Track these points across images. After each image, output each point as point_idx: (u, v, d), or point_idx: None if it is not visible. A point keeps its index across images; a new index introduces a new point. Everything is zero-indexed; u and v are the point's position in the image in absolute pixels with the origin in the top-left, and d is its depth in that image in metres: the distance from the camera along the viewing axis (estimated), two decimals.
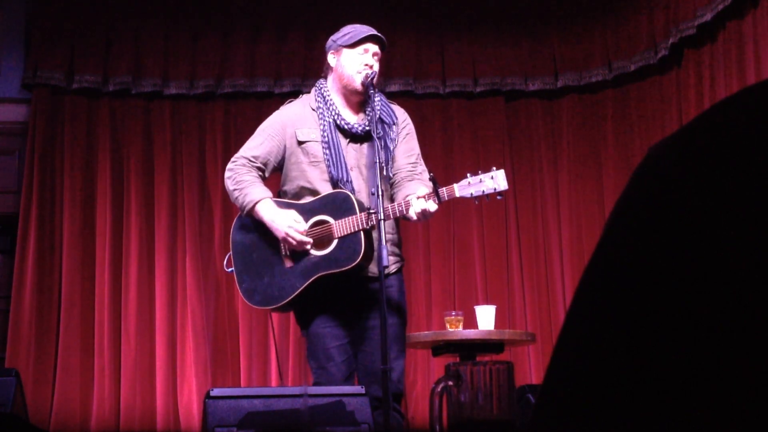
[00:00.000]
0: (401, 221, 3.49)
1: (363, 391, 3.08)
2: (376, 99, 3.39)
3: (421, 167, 3.44)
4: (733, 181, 0.57)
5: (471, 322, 4.44)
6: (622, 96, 6.02)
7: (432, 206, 3.05)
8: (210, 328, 5.69)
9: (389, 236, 3.36)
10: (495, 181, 3.06)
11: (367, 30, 3.41)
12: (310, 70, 5.99)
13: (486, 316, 4.32)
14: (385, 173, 3.30)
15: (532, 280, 5.95)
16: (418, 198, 3.08)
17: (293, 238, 3.24)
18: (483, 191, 3.06)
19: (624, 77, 5.97)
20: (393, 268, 3.40)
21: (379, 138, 3.29)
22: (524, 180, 6.10)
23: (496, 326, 4.35)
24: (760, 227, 0.55)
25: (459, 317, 4.32)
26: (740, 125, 0.59)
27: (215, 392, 3.02)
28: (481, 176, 3.09)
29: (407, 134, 3.45)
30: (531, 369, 5.75)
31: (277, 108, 5.93)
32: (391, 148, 3.36)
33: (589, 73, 6.06)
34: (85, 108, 5.89)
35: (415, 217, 3.12)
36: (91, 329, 5.60)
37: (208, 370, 5.59)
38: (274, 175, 3.55)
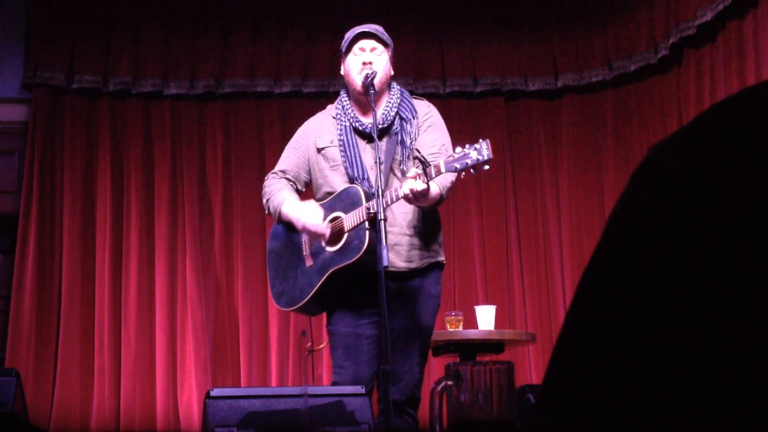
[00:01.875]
0: (431, 213, 3.39)
1: (363, 391, 3.08)
2: (394, 96, 3.37)
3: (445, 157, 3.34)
4: (733, 181, 0.57)
5: (471, 322, 4.45)
6: (622, 96, 6.02)
7: (419, 185, 2.99)
8: (210, 328, 5.69)
9: (417, 229, 3.29)
10: (479, 152, 2.98)
11: (357, 29, 3.39)
12: (310, 70, 6.00)
13: (486, 316, 4.32)
14: (402, 167, 3.28)
15: (532, 280, 5.95)
16: (408, 179, 3.04)
17: (310, 227, 3.21)
18: (467, 163, 2.98)
19: (624, 77, 5.97)
20: (423, 263, 3.30)
21: (396, 134, 3.28)
22: (524, 180, 6.10)
23: (496, 326, 4.36)
24: (760, 226, 0.55)
25: (459, 317, 4.32)
26: (740, 125, 0.59)
27: (215, 392, 3.02)
28: (466, 149, 3.01)
29: (429, 126, 3.39)
30: (531, 369, 5.76)
31: (277, 108, 6.00)
32: (408, 143, 3.32)
33: (589, 73, 6.06)
34: (85, 108, 5.89)
35: (403, 197, 3.06)
36: (91, 329, 5.60)
37: (208, 370, 5.59)
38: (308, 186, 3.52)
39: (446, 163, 3.00)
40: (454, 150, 3.06)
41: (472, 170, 2.99)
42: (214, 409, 2.94)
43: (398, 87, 3.43)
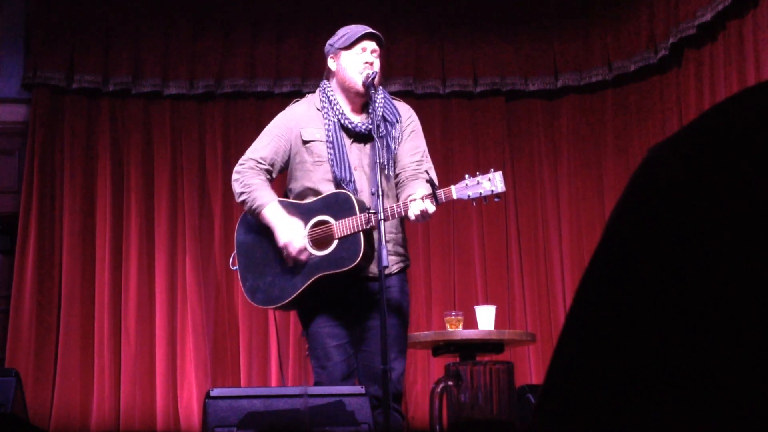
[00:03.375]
0: (405, 221, 3.47)
1: (363, 391, 3.08)
2: (378, 97, 3.38)
3: (427, 164, 3.39)
4: (733, 182, 0.57)
5: (471, 322, 4.44)
6: (622, 96, 6.02)
7: (430, 207, 3.05)
8: (210, 328, 5.69)
9: (391, 236, 3.35)
10: (492, 183, 3.03)
11: (362, 29, 3.40)
12: (310, 70, 6.00)
13: (486, 316, 4.32)
14: (387, 172, 3.30)
15: (532, 280, 5.95)
16: (417, 200, 3.07)
17: (290, 254, 3.26)
18: (480, 193, 3.03)
19: (624, 77, 5.97)
20: (395, 269, 3.38)
21: (381, 137, 3.29)
22: (524, 180, 6.10)
23: (496, 326, 4.35)
24: (761, 228, 0.55)
25: (459, 317, 4.32)
26: (741, 126, 0.59)
27: (215, 392, 3.02)
28: (479, 178, 3.06)
29: (412, 132, 3.42)
30: (531, 369, 5.75)
31: (278, 108, 5.98)
32: (393, 147, 3.34)
33: (589, 73, 6.06)
34: (85, 108, 5.89)
35: (413, 218, 3.12)
36: (91, 329, 5.60)
37: (208, 370, 5.59)
38: (280, 173, 3.55)
39: (458, 190, 3.04)
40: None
41: (484, 200, 3.04)
42: (214, 409, 2.95)
43: (381, 88, 3.44)
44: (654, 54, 5.71)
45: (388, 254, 3.32)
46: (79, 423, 5.43)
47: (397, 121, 3.37)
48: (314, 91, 3.56)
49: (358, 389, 3.09)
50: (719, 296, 0.56)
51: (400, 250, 3.44)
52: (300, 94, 6.00)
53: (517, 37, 6.16)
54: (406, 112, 3.45)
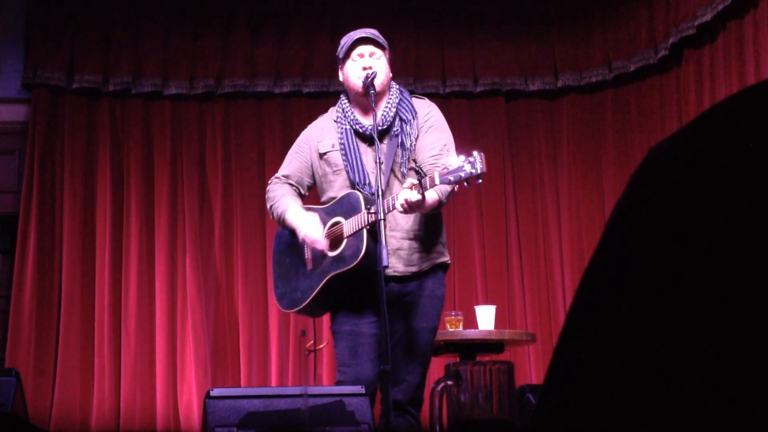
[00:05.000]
0: (433, 215, 3.40)
1: (363, 390, 3.08)
2: (393, 97, 3.38)
3: (447, 158, 3.35)
4: (733, 181, 0.57)
5: (471, 322, 4.45)
6: (622, 96, 6.02)
7: (414, 196, 3.00)
8: (210, 328, 5.69)
9: (415, 233, 3.31)
10: (473, 165, 3.00)
11: (355, 35, 3.40)
12: (310, 70, 6.00)
13: (486, 316, 4.32)
14: (403, 169, 3.29)
15: (532, 280, 5.95)
16: (404, 189, 3.05)
17: (308, 237, 3.26)
18: (461, 176, 3.00)
19: (624, 77, 5.97)
20: (424, 266, 3.32)
21: (396, 135, 3.29)
22: (524, 180, 6.11)
23: (496, 326, 4.36)
24: (760, 227, 0.55)
25: (459, 317, 4.33)
26: (740, 125, 0.59)
27: (215, 392, 3.02)
28: (461, 161, 3.03)
29: (430, 127, 3.39)
30: (531, 369, 5.76)
31: (278, 108, 6.01)
32: (408, 145, 3.32)
33: (589, 73, 6.06)
34: (85, 108, 5.89)
35: (401, 210, 3.08)
36: (91, 329, 5.60)
37: (208, 370, 5.59)
38: (310, 189, 3.55)
39: (441, 176, 3.00)
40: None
41: (465, 183, 2.99)
42: (214, 409, 2.95)
43: (398, 87, 3.43)
44: (654, 54, 5.71)
45: (412, 253, 3.30)
46: (79, 423, 5.43)
47: (413, 118, 3.36)
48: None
49: (358, 389, 3.08)
50: (719, 296, 0.56)
51: (426, 247, 3.33)
52: (300, 94, 6.06)
53: (517, 37, 6.16)
54: (424, 108, 3.43)
